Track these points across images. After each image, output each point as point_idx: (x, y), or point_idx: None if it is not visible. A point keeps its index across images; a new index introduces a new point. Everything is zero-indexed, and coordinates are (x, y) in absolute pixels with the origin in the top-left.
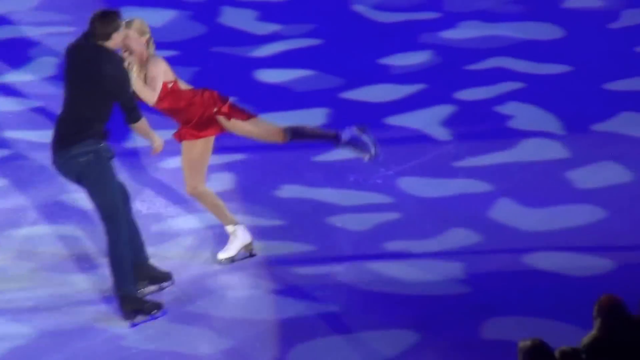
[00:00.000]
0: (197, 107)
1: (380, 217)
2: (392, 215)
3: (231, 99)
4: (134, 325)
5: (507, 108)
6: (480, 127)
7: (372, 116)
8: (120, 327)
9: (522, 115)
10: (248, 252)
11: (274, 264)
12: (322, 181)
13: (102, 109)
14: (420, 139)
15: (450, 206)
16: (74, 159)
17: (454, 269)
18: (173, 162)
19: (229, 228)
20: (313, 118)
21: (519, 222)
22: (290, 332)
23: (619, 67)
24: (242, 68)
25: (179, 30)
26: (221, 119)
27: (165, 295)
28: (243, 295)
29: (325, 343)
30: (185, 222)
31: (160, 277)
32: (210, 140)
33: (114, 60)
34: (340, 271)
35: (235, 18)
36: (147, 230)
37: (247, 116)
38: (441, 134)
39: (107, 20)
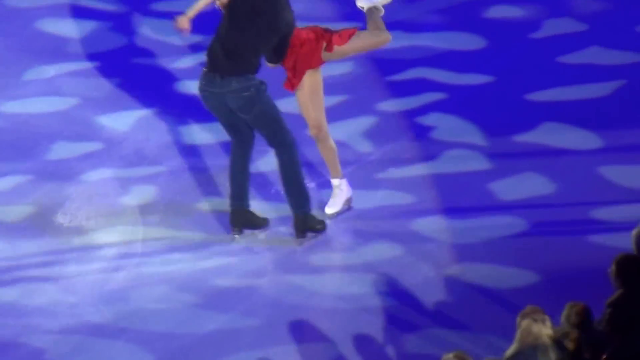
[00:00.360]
0: (307, 46)
1: None
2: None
3: (333, 29)
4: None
5: (429, 119)
6: (403, 138)
7: (293, 128)
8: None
9: (444, 126)
10: (347, 206)
11: (196, 277)
12: None
13: (266, 46)
14: (342, 150)
15: (372, 218)
16: (235, 93)
17: (376, 281)
18: (95, 175)
19: (335, 182)
20: None
21: (441, 233)
22: (213, 345)
23: (541, 78)
24: (164, 79)
25: (99, 42)
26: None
27: (87, 309)
28: (165, 308)
29: (246, 356)
30: (108, 235)
31: (257, 223)
32: (318, 71)
33: (286, 3)
34: (262, 284)
35: (156, 29)
36: (70, 243)
37: (347, 38)
38: (363, 145)
39: None
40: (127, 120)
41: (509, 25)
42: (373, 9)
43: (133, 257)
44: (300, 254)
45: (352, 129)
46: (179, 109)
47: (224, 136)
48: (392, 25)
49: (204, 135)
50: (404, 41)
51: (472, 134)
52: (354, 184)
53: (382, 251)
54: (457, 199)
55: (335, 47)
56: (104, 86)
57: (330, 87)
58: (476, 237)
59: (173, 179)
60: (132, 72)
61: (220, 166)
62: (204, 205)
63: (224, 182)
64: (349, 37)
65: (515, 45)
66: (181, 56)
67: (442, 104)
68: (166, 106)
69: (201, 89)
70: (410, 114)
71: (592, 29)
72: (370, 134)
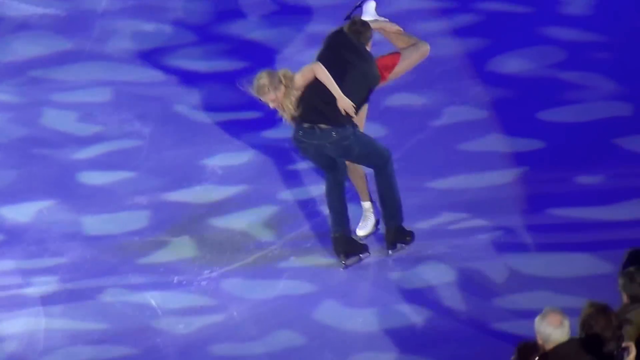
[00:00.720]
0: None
1: (204, 319)
2: (216, 318)
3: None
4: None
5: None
6: (304, 227)
7: (194, 218)
8: None
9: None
10: (376, 228)
11: None
12: (146, 283)
13: (362, 96)
14: (244, 240)
15: (274, 308)
16: (335, 143)
17: None
18: None
19: (366, 204)
20: (135, 220)
21: (343, 323)
22: None
23: (442, 165)
24: (64, 170)
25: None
26: None
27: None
28: None
29: None
30: (11, 326)
31: (358, 248)
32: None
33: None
34: None
35: (56, 119)
36: None
37: (393, 65)
38: (265, 234)
39: (368, 28)
40: (28, 212)
41: (409, 113)
42: (379, 25)
43: (36, 347)
44: (199, 345)
45: (255, 218)
46: (79, 200)
47: (126, 227)
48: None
49: (105, 226)
50: None
51: (373, 223)
52: (255, 273)
53: (283, 340)
54: (359, 288)
55: (389, 76)
56: (4, 177)
57: (232, 176)
58: (378, 326)
59: (75, 269)
60: (32, 163)
61: (120, 257)
62: (106, 295)
63: (126, 272)
64: (394, 64)
65: (415, 133)
66: (81, 147)
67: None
68: (67, 197)
69: (299, 141)
70: (312, 203)
71: (492, 116)
72: (273, 223)
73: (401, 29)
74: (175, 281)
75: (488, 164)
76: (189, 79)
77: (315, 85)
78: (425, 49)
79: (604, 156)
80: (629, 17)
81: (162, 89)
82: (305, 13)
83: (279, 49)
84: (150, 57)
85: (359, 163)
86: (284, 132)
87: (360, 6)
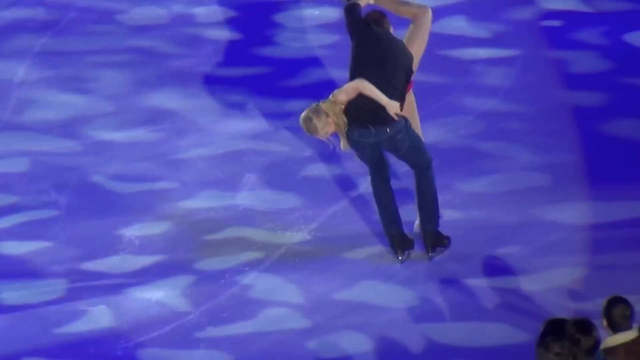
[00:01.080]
0: None
1: None
2: None
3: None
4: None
5: (248, 277)
6: (221, 296)
7: (111, 288)
8: None
9: (262, 284)
10: None
11: None
12: (61, 354)
13: (402, 85)
14: (160, 310)
15: None
16: (390, 139)
17: None
18: None
19: None
20: (52, 290)
21: None
22: None
23: (360, 235)
24: None
25: None
26: None
27: None
28: None
29: None
30: None
31: (410, 244)
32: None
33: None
34: None
35: None
36: None
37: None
38: (182, 304)
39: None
40: None
41: (326, 183)
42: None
43: None
44: None
45: (171, 288)
46: None
47: (44, 296)
48: (209, 184)
49: (22, 295)
50: (222, 200)
51: (290, 293)
52: (172, 343)
53: None
54: (275, 356)
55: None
56: None
57: (148, 246)
58: None
59: None
60: None
61: (36, 327)
62: None
63: (43, 341)
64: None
65: (331, 202)
66: None
67: (260, 263)
68: None
69: (356, 141)
70: (228, 273)
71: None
72: (189, 293)
73: None
74: (92, 351)
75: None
76: (105, 148)
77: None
78: (428, 14)
79: (523, 227)
80: (545, 88)
81: (78, 159)
82: (221, 83)
83: (195, 119)
84: (67, 127)
85: (405, 159)
86: (200, 202)
87: None
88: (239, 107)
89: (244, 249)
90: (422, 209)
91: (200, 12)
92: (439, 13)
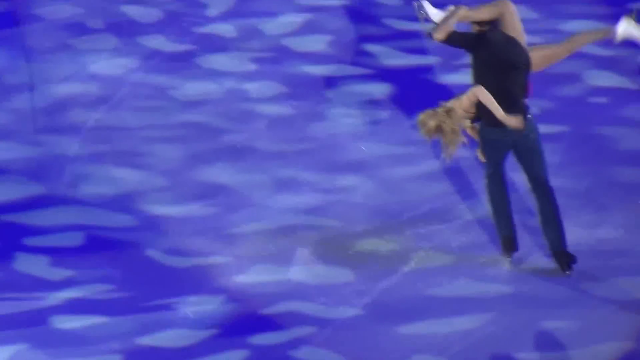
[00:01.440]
0: None
1: None
2: None
3: None
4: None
5: (301, 352)
6: None
7: None
8: None
9: (315, 359)
10: None
11: None
12: None
13: (525, 79)
14: None
15: None
16: (524, 137)
17: None
18: None
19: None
20: None
21: None
22: None
23: (413, 310)
24: (36, 314)
25: None
26: None
27: None
28: None
29: None
30: None
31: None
32: None
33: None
34: None
35: (27, 264)
36: None
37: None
38: None
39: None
40: (1, 356)
41: (378, 257)
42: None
43: None
44: None
45: None
46: (51, 345)
47: None
48: (263, 258)
49: None
50: (275, 275)
51: None
52: None
53: None
54: None
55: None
56: None
57: (202, 320)
58: None
59: None
60: (4, 308)
61: None
62: None
63: None
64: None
65: (384, 277)
66: (53, 291)
67: (312, 338)
68: (39, 342)
69: (491, 139)
70: (282, 348)
71: (460, 261)
72: None
73: (469, 8)
74: None
75: (457, 309)
76: (159, 223)
77: (489, 88)
78: (509, 4)
79: (573, 301)
80: (592, 164)
81: (133, 233)
82: (273, 158)
83: (248, 193)
84: (121, 201)
85: (530, 162)
86: (253, 276)
87: (426, 21)
88: (291, 182)
89: (297, 323)
90: (545, 231)
91: (253, 87)
92: None
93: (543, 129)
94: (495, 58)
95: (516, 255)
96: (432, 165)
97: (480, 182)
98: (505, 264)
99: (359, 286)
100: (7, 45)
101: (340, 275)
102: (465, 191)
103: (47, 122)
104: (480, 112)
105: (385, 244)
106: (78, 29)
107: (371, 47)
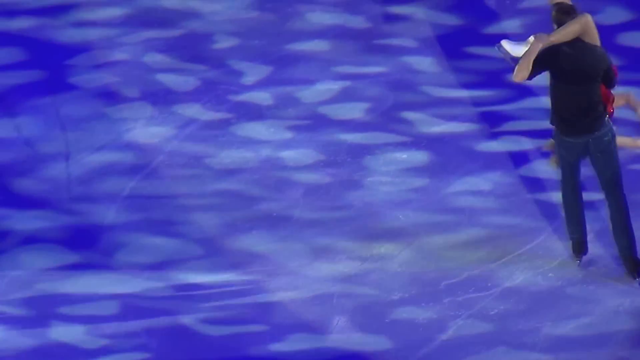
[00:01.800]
0: None
1: None
2: None
3: None
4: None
5: None
6: None
7: None
8: None
9: None
10: None
11: None
12: None
13: (598, 85)
14: None
15: None
16: (599, 139)
17: None
18: None
19: None
20: None
21: None
22: None
23: None
24: None
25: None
26: None
27: None
28: None
29: None
30: None
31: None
32: None
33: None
34: None
35: (63, 332)
36: None
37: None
38: None
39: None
40: None
41: (416, 326)
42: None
43: None
44: None
45: None
46: None
47: None
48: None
49: None
50: (312, 343)
51: None
52: None
53: None
54: None
55: None
56: None
57: None
58: None
59: None
60: None
61: None
62: None
63: None
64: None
65: (422, 345)
66: None
67: None
68: None
69: (564, 141)
70: None
71: (498, 329)
72: None
73: (550, 35)
74: None
75: None
76: (195, 291)
77: (560, 98)
78: (589, 18)
79: None
80: None
81: (168, 301)
82: (310, 226)
83: (284, 262)
84: (157, 270)
85: (603, 167)
86: (290, 345)
87: (513, 60)
88: (328, 250)
89: None
90: (617, 238)
91: (289, 155)
92: (524, 158)
93: (585, 196)
94: (577, 68)
95: (585, 258)
96: (469, 232)
97: (519, 250)
98: (575, 265)
99: (397, 354)
100: (42, 114)
101: (378, 343)
102: (503, 259)
103: (82, 190)
104: (557, 113)
105: (423, 312)
106: (113, 97)
107: (408, 115)
